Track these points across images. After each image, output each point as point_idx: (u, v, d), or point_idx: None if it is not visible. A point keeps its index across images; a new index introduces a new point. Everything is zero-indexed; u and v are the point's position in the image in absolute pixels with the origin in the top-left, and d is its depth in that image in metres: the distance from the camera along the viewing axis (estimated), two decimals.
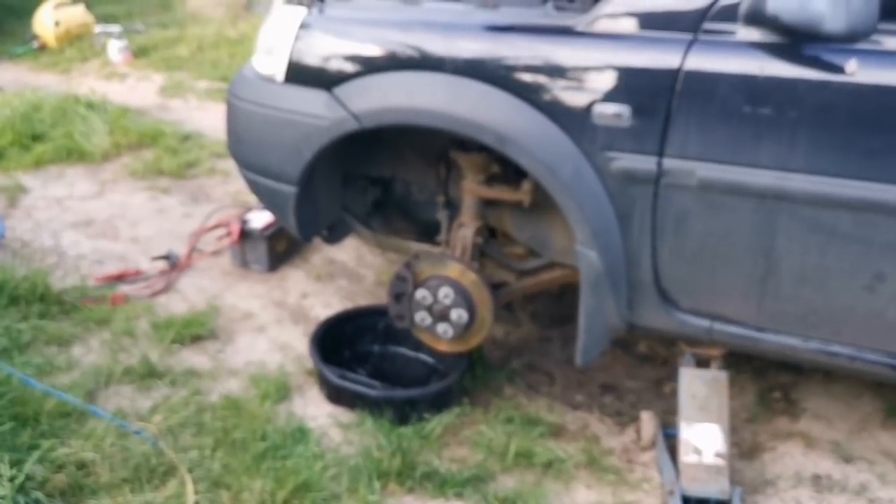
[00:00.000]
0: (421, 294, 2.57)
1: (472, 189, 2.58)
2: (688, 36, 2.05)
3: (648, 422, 2.63)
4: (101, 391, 2.74)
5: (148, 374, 2.81)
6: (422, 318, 2.60)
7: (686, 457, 2.33)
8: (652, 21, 2.10)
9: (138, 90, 6.01)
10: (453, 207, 2.75)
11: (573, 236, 2.27)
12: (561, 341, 3.21)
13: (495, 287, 2.69)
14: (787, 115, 1.96)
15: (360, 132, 2.40)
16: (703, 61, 2.02)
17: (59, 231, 3.91)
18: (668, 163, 2.08)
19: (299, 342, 3.06)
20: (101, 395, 2.72)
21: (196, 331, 3.07)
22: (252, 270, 3.58)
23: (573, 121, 2.15)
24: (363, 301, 3.37)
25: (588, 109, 2.12)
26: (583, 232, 2.20)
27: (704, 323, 2.25)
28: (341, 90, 2.40)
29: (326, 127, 2.42)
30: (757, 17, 1.94)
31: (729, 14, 2.01)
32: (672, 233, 2.15)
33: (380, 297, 3.36)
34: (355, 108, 2.37)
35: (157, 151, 4.70)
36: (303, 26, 2.50)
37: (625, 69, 2.10)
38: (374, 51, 2.39)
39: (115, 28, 6.94)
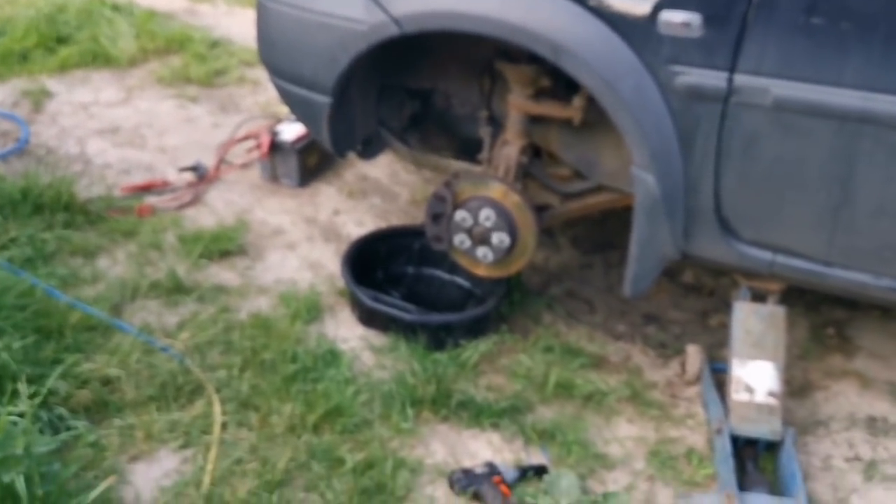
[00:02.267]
0: (460, 215, 2.42)
1: (518, 104, 2.40)
2: None
3: (694, 355, 2.50)
4: (127, 305, 2.66)
5: (175, 289, 2.72)
6: (461, 240, 2.46)
7: (737, 395, 2.21)
8: None
9: None
10: (497, 124, 2.57)
11: (627, 158, 2.10)
12: (602, 268, 3.08)
13: (538, 210, 2.55)
14: (879, 28, 1.75)
15: (400, 38, 2.22)
16: None
17: (85, 138, 3.78)
18: (741, 79, 1.88)
19: (331, 261, 2.95)
20: (127, 310, 2.64)
21: (224, 246, 2.96)
22: (282, 185, 3.44)
23: (636, 30, 1.95)
24: (396, 220, 3.24)
25: (653, 17, 1.92)
26: (640, 154, 2.03)
27: (767, 255, 2.09)
28: None
29: (364, 32, 2.24)
30: None
31: None
32: (739, 157, 1.97)
33: (414, 217, 3.23)
34: (396, 12, 2.17)
35: (184, 58, 4.51)
36: None
37: None
38: None
39: None
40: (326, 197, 3.39)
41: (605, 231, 3.19)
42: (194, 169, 3.46)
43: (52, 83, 4.24)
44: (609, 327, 2.77)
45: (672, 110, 1.98)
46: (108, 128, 3.88)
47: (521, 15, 2.03)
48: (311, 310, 2.66)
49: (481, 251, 2.44)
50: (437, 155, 2.80)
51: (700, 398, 2.44)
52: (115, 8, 4.86)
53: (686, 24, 1.89)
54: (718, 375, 2.42)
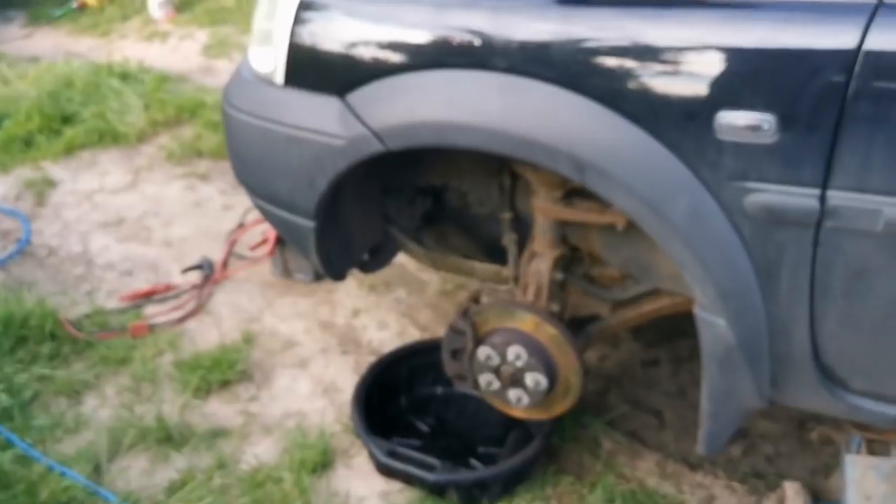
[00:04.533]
0: (484, 353, 1.95)
1: (545, 209, 1.92)
2: None
3: (794, 498, 1.98)
4: (112, 463, 2.28)
5: (165, 440, 2.33)
6: (487, 381, 1.99)
7: None
8: None
9: (180, 51, 5.44)
10: (524, 225, 2.09)
11: (693, 295, 1.61)
12: (671, 365, 2.58)
13: (584, 322, 2.07)
14: None
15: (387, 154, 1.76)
16: None
17: (88, 233, 3.47)
18: (837, 197, 1.37)
19: (348, 381, 2.52)
20: (111, 470, 2.26)
21: (225, 375, 2.56)
22: (296, 281, 3.04)
23: (686, 137, 1.45)
24: (424, 317, 2.81)
25: (709, 119, 1.41)
26: (704, 293, 1.53)
27: (889, 410, 1.56)
28: (357, 97, 1.74)
29: (342, 149, 1.78)
30: None
31: None
32: (841, 295, 1.45)
33: (444, 312, 2.79)
34: (376, 124, 1.71)
35: (195, 128, 4.17)
36: (304, 4, 1.84)
37: (765, 54, 1.38)
38: (395, 38, 1.71)
39: None
40: (345, 293, 2.96)
41: (672, 317, 2.68)
42: (199, 268, 3.10)
43: (56, 170, 3.96)
44: (683, 450, 2.27)
45: (743, 238, 1.47)
46: (113, 219, 3.57)
47: (529, 124, 1.54)
48: (320, 457, 2.23)
49: (514, 394, 1.96)
50: (458, 255, 2.33)
51: None
52: (124, 76, 4.57)
53: (754, 128, 1.38)
54: None
